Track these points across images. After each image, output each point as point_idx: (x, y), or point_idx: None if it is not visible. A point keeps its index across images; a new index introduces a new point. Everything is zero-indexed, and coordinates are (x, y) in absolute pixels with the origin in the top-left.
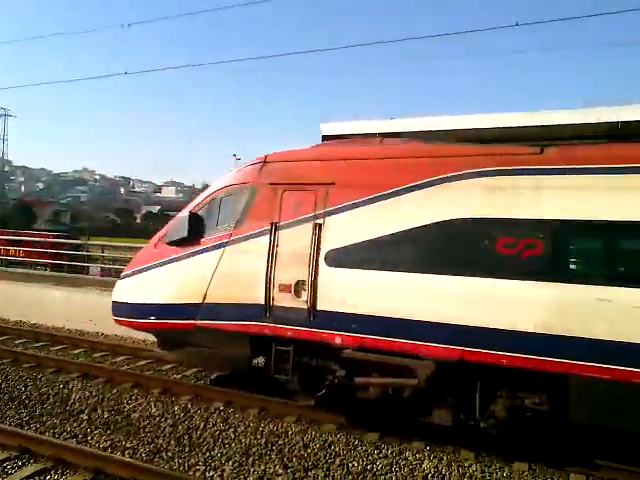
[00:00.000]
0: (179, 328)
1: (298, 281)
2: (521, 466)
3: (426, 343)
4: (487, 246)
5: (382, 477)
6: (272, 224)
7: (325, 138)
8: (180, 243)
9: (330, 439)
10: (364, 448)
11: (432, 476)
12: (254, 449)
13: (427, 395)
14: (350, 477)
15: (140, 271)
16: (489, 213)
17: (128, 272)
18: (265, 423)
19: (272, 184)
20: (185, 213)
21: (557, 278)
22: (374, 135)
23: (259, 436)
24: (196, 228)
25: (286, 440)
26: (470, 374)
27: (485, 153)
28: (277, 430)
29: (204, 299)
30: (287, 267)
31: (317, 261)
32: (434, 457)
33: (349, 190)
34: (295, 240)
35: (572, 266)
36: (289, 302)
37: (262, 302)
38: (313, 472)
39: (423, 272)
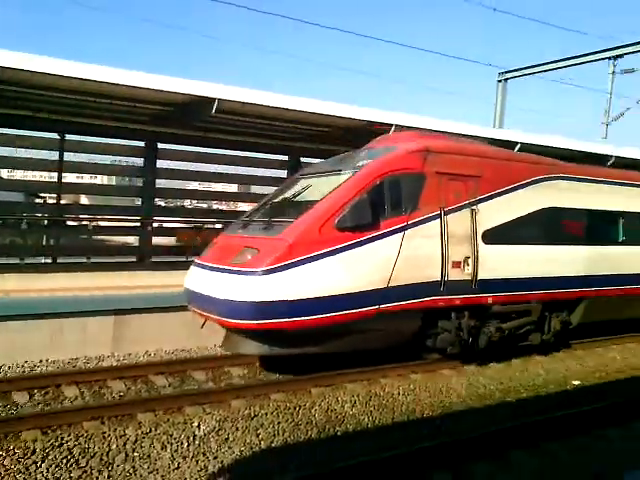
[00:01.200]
0: (358, 317)
1: (465, 257)
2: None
3: (538, 291)
4: (581, 224)
5: None
6: (441, 209)
7: None
8: (360, 228)
9: None
10: None
11: None
12: None
13: (532, 326)
14: None
15: (305, 261)
16: (586, 204)
17: (272, 264)
18: None
19: (438, 173)
20: (359, 196)
21: (590, 244)
22: None
23: None
24: (373, 212)
25: None
26: (545, 307)
27: (578, 170)
28: None
29: (389, 283)
30: (457, 246)
31: (477, 240)
32: None
33: (492, 183)
34: (460, 223)
35: (599, 236)
36: (459, 276)
37: (438, 278)
38: None
39: (543, 244)
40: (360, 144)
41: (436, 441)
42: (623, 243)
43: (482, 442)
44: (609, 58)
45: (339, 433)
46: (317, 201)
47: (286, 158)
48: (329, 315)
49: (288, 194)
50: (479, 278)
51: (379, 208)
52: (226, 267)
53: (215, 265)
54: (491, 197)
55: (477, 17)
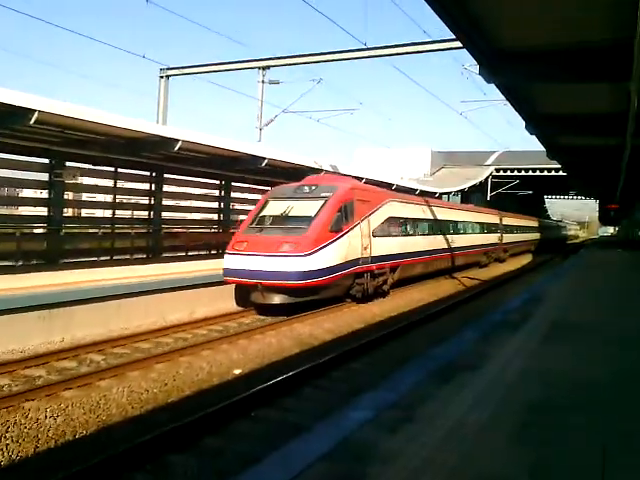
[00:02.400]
0: (339, 278)
1: (367, 245)
2: None
3: (389, 262)
4: (400, 225)
5: None
6: (359, 219)
7: None
8: (336, 230)
9: None
10: None
11: None
12: None
13: (383, 282)
14: None
15: (320, 249)
16: (402, 214)
17: (308, 249)
18: None
19: (357, 200)
20: (334, 213)
21: (408, 235)
22: None
23: None
24: (340, 222)
25: None
26: (390, 270)
27: (397, 195)
28: None
29: (345, 259)
30: (365, 239)
31: (370, 235)
32: None
33: (373, 204)
34: (365, 226)
35: (410, 230)
36: (365, 255)
37: (360, 256)
38: None
39: (391, 237)
40: None
41: (84, 465)
42: (419, 234)
43: (138, 452)
44: (259, 68)
45: None
46: (314, 216)
47: None
48: (330, 277)
49: (284, 211)
50: (372, 256)
51: (342, 219)
52: (279, 253)
53: (267, 253)
54: (374, 212)
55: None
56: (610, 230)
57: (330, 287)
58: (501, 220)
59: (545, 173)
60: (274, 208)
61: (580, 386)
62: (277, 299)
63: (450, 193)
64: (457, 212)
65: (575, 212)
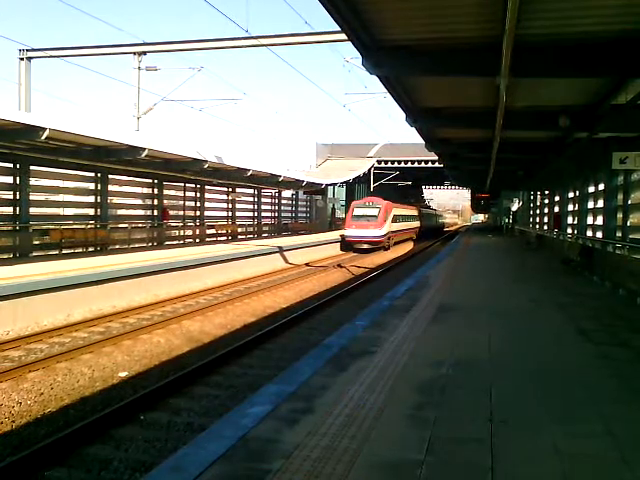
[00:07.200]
0: (385, 239)
1: (390, 225)
2: None
3: (393, 234)
4: (396, 217)
5: None
6: (389, 215)
7: None
8: (384, 220)
9: None
10: None
11: None
12: None
13: (389, 242)
14: None
15: (382, 226)
16: (396, 213)
17: (380, 228)
18: None
19: (387, 208)
20: (384, 213)
21: (397, 222)
22: None
23: None
24: (385, 217)
25: None
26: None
27: (395, 205)
28: None
29: (387, 232)
30: (390, 223)
31: (390, 222)
32: None
33: (391, 209)
34: (390, 218)
35: (397, 220)
36: (389, 230)
37: (389, 230)
38: None
39: (394, 223)
40: None
41: None
42: (400, 222)
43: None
44: (134, 53)
45: None
46: (377, 215)
47: None
48: (384, 238)
49: (364, 212)
50: (391, 230)
51: (385, 216)
52: (369, 229)
53: (364, 229)
54: (391, 212)
55: None
56: (481, 217)
57: (383, 243)
58: (419, 212)
59: (423, 165)
60: (358, 211)
61: (464, 363)
62: (366, 246)
63: (336, 184)
64: (409, 209)
65: (450, 201)
